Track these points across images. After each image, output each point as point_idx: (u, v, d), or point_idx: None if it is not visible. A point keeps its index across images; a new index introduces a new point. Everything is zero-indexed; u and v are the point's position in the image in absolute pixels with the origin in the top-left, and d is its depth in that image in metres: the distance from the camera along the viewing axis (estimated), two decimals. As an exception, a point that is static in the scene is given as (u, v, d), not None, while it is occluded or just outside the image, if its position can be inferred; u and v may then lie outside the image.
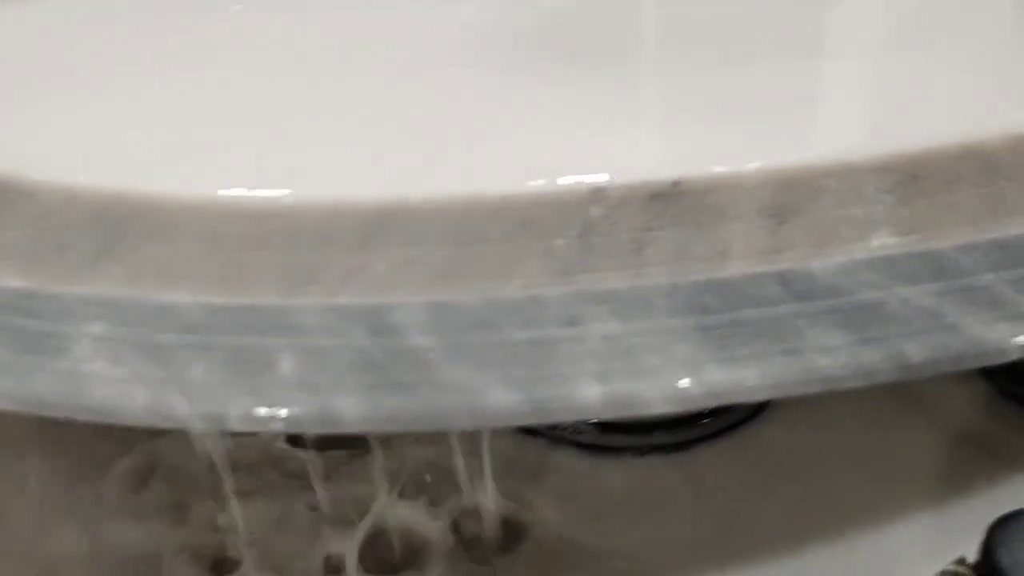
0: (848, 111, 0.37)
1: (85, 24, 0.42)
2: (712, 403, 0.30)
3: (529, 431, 0.49)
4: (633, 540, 0.44)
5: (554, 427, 0.49)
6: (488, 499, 0.45)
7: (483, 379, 0.30)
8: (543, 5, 0.41)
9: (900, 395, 0.49)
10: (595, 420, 0.48)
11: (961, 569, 0.33)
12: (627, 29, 0.41)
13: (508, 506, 0.45)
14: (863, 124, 0.36)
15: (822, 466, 0.46)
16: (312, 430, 0.40)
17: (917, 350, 0.30)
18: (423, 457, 0.47)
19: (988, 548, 0.33)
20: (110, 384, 0.31)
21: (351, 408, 0.30)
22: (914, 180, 0.33)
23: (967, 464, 0.46)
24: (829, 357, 0.30)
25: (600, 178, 0.33)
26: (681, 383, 0.30)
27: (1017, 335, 0.30)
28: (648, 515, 0.45)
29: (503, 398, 0.30)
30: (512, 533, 0.45)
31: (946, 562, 0.35)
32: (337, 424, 0.30)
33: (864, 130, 0.35)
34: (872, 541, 0.42)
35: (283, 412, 0.30)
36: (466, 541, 0.45)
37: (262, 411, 0.30)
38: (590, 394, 0.30)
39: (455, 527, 0.45)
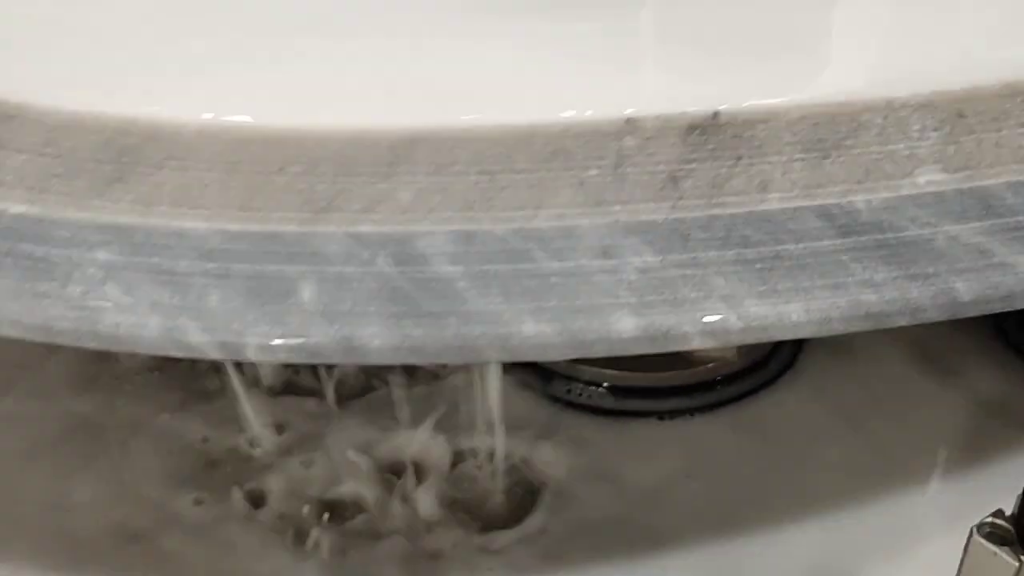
0: (891, 48, 0.36)
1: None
2: (753, 339, 0.29)
3: (545, 395, 0.48)
4: (654, 505, 0.43)
5: (569, 391, 0.48)
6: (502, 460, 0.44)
7: (514, 310, 0.29)
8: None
9: (924, 361, 0.48)
10: (608, 386, 0.47)
11: (999, 521, 0.32)
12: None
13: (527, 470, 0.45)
14: (906, 61, 0.34)
15: (849, 430, 0.45)
16: (334, 360, 0.39)
17: (967, 288, 0.29)
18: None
19: (1029, 499, 0.32)
20: (122, 312, 0.30)
21: (376, 337, 0.29)
22: (960, 117, 0.32)
23: (993, 427, 0.45)
24: (875, 293, 0.29)
25: (634, 108, 0.31)
26: (721, 317, 0.29)
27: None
28: (686, 480, 0.44)
29: (535, 330, 0.29)
30: (529, 496, 0.44)
31: (980, 517, 0.34)
32: (361, 354, 0.29)
33: (907, 67, 0.34)
34: (900, 501, 0.42)
35: (303, 341, 0.29)
36: (478, 505, 0.44)
37: (281, 340, 0.29)
38: (625, 327, 0.29)
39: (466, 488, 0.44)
